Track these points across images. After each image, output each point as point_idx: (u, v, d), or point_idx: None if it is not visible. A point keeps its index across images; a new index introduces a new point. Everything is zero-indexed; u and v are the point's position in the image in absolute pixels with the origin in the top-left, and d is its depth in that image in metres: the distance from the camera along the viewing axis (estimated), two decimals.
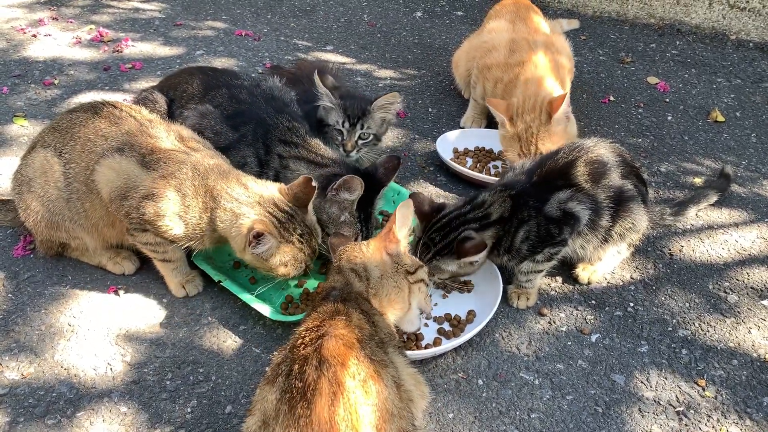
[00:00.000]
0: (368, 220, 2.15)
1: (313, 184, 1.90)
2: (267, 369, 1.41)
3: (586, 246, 2.08)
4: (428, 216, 2.01)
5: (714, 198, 2.49)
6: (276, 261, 1.88)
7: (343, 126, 2.46)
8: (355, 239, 2.08)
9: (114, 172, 1.91)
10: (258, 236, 1.80)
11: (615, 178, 2.02)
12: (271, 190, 1.93)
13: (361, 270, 1.61)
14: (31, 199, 2.04)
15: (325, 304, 1.51)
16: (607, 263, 2.18)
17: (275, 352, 1.44)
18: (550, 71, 2.69)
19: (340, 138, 2.47)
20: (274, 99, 2.37)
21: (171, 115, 2.41)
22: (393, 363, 1.40)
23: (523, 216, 1.96)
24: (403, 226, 1.66)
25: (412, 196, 2.00)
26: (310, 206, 1.94)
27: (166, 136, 1.99)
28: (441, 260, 1.95)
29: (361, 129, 2.47)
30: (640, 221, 2.08)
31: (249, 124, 2.27)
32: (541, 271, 2.07)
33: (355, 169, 2.19)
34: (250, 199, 1.87)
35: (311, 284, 2.15)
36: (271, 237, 1.82)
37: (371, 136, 2.51)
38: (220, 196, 1.86)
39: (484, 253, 1.94)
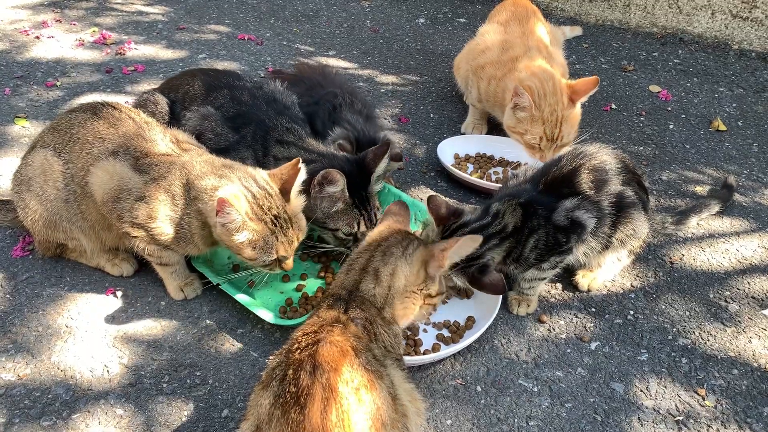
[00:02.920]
0: (366, 203, 2.12)
1: (299, 166, 1.86)
2: (262, 373, 1.40)
3: (590, 253, 2.07)
4: (445, 220, 1.96)
5: (716, 208, 2.48)
6: (242, 237, 1.79)
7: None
8: (357, 224, 2.09)
9: (107, 174, 1.91)
10: (222, 203, 1.72)
11: (616, 184, 2.01)
12: (259, 171, 1.90)
13: (386, 274, 1.55)
14: (30, 199, 2.04)
15: (326, 311, 1.48)
16: (607, 270, 2.18)
17: (271, 357, 1.43)
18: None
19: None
20: (275, 101, 2.37)
21: (174, 116, 2.40)
22: (389, 376, 1.38)
23: (533, 225, 1.94)
24: (457, 256, 1.61)
25: (431, 199, 1.95)
26: (293, 195, 1.87)
27: (161, 139, 1.98)
28: (454, 273, 1.90)
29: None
30: (640, 228, 2.08)
31: (249, 125, 2.27)
32: (545, 278, 2.06)
33: (345, 158, 2.18)
34: (231, 176, 1.85)
35: (310, 288, 2.14)
36: (235, 209, 1.73)
37: None
38: (201, 180, 1.84)
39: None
